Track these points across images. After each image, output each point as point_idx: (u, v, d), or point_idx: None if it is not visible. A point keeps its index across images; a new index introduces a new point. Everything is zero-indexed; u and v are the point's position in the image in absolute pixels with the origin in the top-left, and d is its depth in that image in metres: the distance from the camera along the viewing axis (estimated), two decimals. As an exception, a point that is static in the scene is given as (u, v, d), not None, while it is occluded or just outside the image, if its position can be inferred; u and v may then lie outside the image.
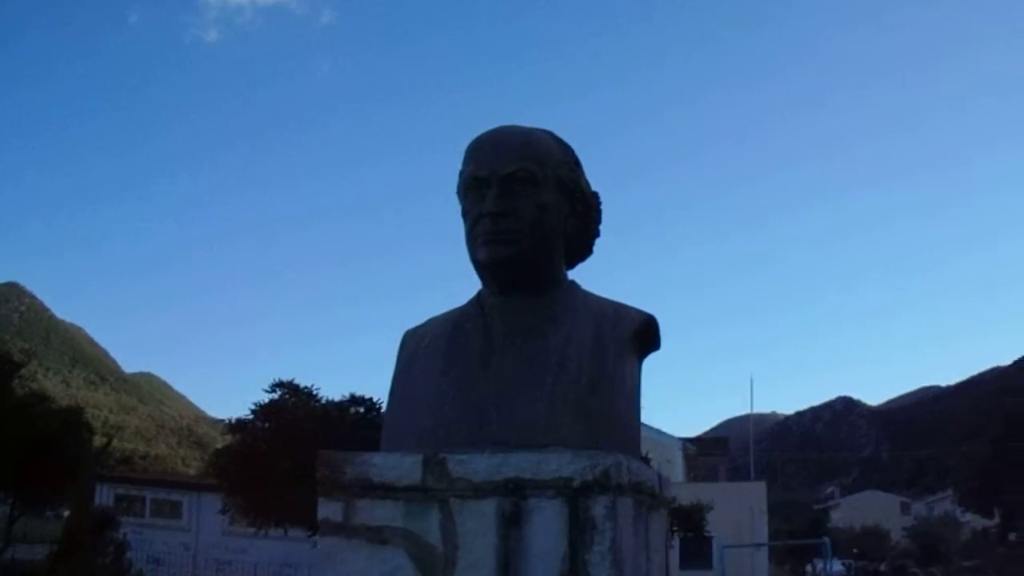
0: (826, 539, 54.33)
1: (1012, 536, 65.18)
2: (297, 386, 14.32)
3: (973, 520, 77.18)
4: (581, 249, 3.84)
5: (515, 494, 3.18)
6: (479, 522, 3.20)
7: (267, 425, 13.69)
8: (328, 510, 3.39)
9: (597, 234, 3.88)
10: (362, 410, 13.60)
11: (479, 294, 3.75)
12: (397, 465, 3.32)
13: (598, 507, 3.13)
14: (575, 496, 3.14)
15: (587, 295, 3.75)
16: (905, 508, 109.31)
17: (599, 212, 3.86)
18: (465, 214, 3.64)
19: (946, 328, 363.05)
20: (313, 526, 12.17)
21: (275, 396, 14.48)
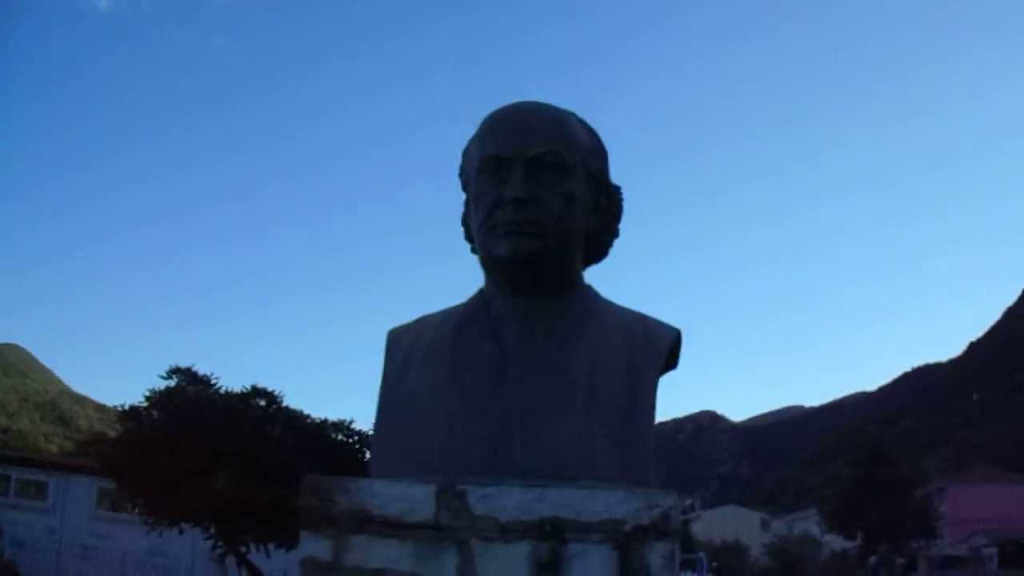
0: (701, 554, 54.94)
1: (872, 559, 66.91)
2: (195, 373, 13.57)
3: (832, 540, 79.11)
4: (598, 250, 3.42)
5: (553, 537, 2.74)
6: (507, 570, 2.74)
7: (163, 415, 12.93)
8: (313, 547, 2.88)
9: (616, 234, 3.45)
10: (263, 403, 12.91)
11: (482, 293, 3.32)
12: (405, 496, 2.84)
13: (654, 556, 2.75)
14: (627, 542, 2.74)
15: (607, 302, 3.36)
16: (765, 525, 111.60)
17: (621, 209, 3.46)
18: (478, 199, 3.20)
19: (814, 351, 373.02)
20: (218, 523, 11.54)
21: (171, 383, 13.82)
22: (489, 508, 2.77)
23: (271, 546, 12.78)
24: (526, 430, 2.99)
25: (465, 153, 3.37)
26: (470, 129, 3.36)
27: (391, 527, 2.81)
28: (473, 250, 3.38)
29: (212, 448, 11.10)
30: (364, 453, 12.81)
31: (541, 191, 3.11)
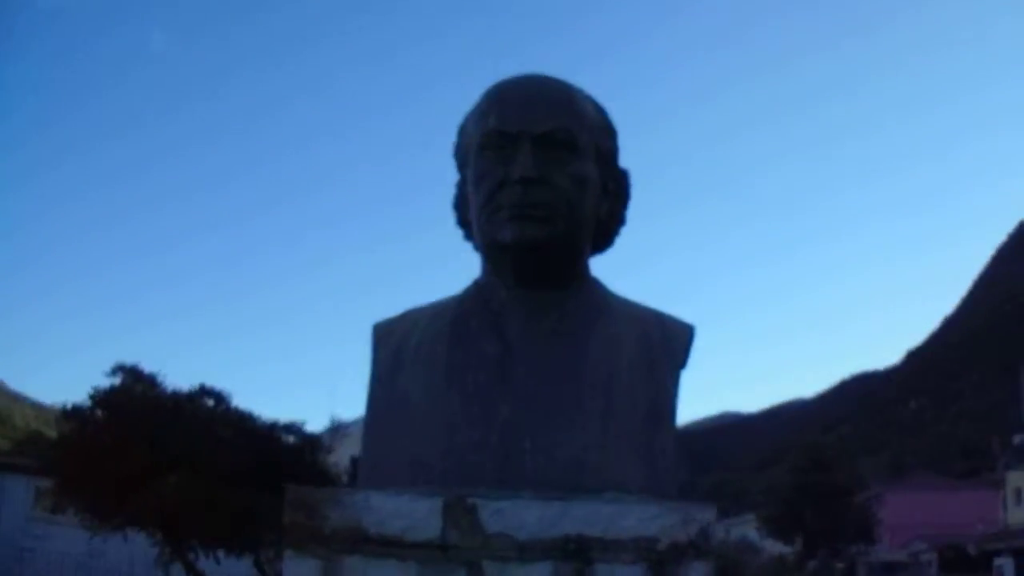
0: None
1: (811, 564, 67.40)
2: (141, 372, 13.09)
3: (771, 545, 79.78)
4: (603, 239, 3.14)
5: (577, 557, 2.47)
6: (527, 594, 2.43)
7: (107, 415, 12.46)
8: (300, 569, 2.57)
9: (623, 222, 3.18)
10: (211, 403, 12.49)
11: (479, 284, 3.04)
12: (406, 511, 2.54)
13: (693, 577, 2.47)
14: (661, 562, 2.48)
15: (617, 296, 3.09)
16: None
17: (629, 195, 3.18)
18: (478, 179, 2.92)
19: (751, 358, 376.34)
20: (165, 529, 11.14)
21: (116, 382, 13.33)
22: (504, 525, 2.49)
23: (220, 552, 12.41)
24: (538, 436, 2.73)
25: (462, 130, 3.09)
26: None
27: (391, 546, 2.52)
28: (467, 237, 3.12)
29: (159, 450, 10.69)
30: (317, 456, 12.45)
31: (550, 171, 2.84)
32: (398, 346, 3.00)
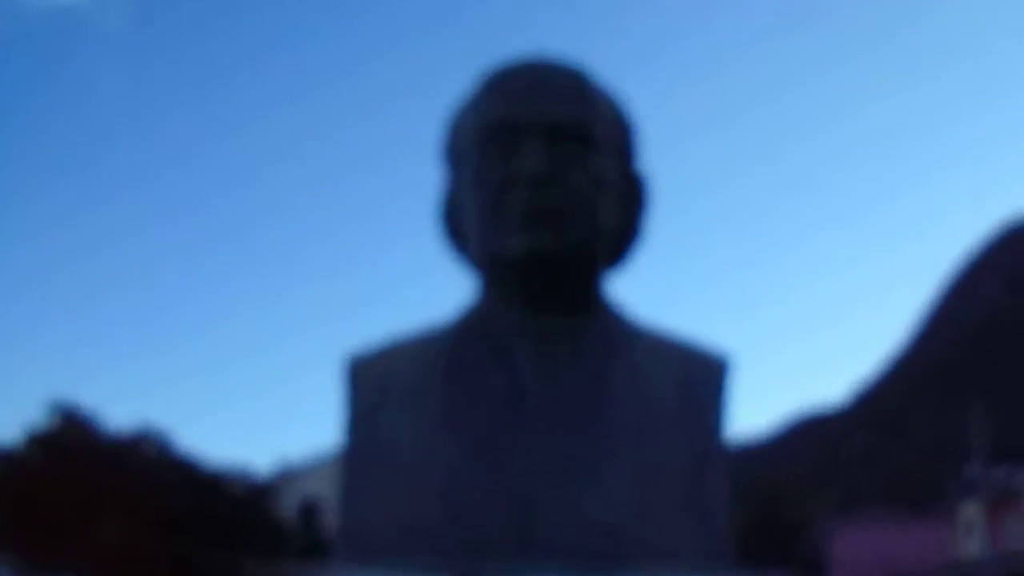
0: None
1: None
2: (79, 412, 12.45)
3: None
4: (617, 254, 2.65)
5: None
6: None
7: (43, 458, 11.90)
8: None
9: (641, 232, 2.69)
10: (155, 445, 11.90)
11: (477, 307, 2.55)
12: None
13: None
14: None
15: (638, 321, 2.62)
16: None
17: (647, 202, 2.69)
18: (478, 179, 2.45)
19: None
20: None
21: (50, 421, 12.73)
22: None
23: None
24: (561, 492, 2.28)
25: (451, 122, 2.64)
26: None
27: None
28: (455, 250, 2.66)
29: (98, 496, 10.16)
30: (265, 505, 11.91)
31: (565, 169, 2.40)
32: (380, 382, 2.52)
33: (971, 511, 57.03)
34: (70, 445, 11.01)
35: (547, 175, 2.36)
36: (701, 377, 2.54)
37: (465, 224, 2.53)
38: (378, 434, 2.43)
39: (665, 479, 2.32)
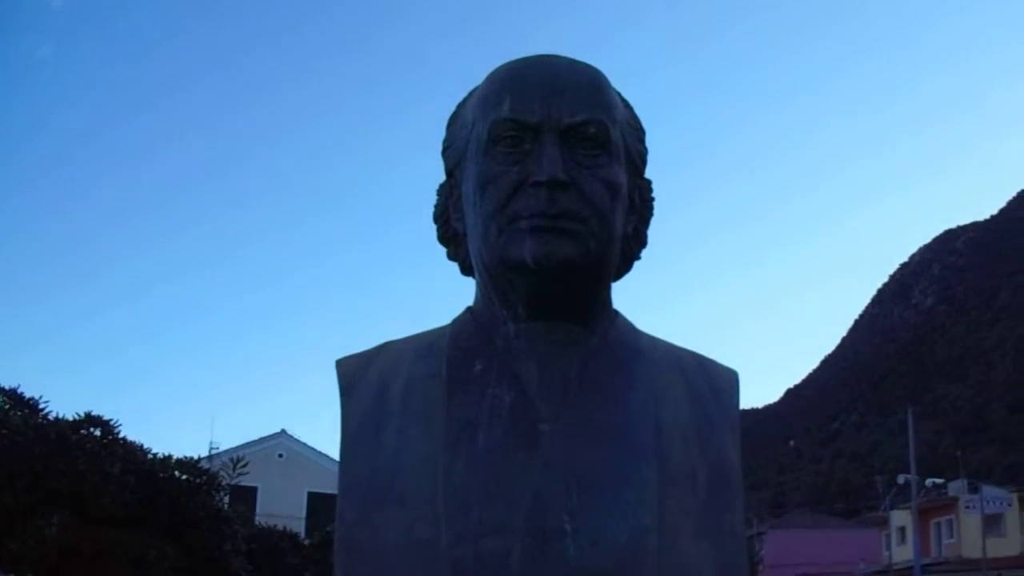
0: None
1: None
2: (22, 396, 12.02)
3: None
4: (623, 263, 2.51)
5: None
6: None
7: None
8: None
9: (646, 243, 2.55)
10: (98, 433, 11.54)
11: (475, 314, 2.41)
12: None
13: None
14: None
15: (646, 333, 2.48)
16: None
17: (652, 209, 2.57)
18: (486, 181, 2.28)
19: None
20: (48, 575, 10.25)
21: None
22: (552, 640, 1.86)
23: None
24: (579, 515, 2.12)
25: (455, 121, 2.48)
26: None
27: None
28: (451, 256, 2.51)
29: (39, 487, 9.77)
30: (214, 495, 11.61)
31: (580, 174, 2.24)
32: (378, 391, 2.35)
33: (903, 517, 57.79)
34: (13, 434, 10.54)
35: (564, 180, 2.21)
36: (714, 391, 2.43)
37: (467, 227, 2.38)
38: (379, 447, 2.27)
39: (684, 499, 2.21)
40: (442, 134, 2.53)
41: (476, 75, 2.44)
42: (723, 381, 2.48)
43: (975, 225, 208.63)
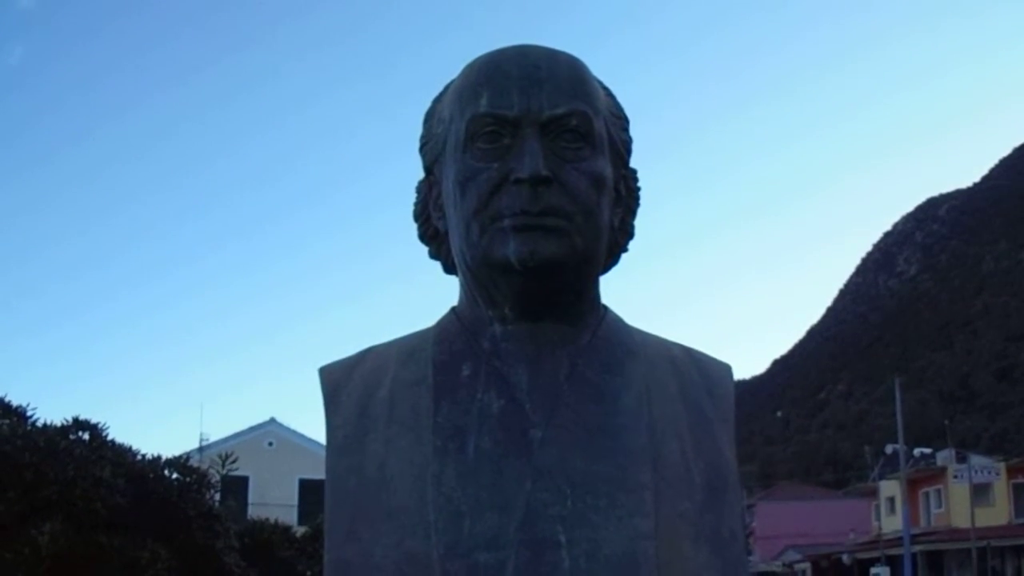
0: None
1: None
2: (9, 404, 11.93)
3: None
4: (609, 256, 2.42)
5: None
6: None
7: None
8: None
9: (632, 235, 2.47)
10: (87, 437, 11.46)
11: (459, 315, 2.32)
12: None
13: None
14: None
15: (636, 329, 2.39)
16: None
17: (639, 201, 2.48)
18: (466, 178, 2.20)
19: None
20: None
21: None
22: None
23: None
24: (575, 524, 2.06)
25: (431, 116, 2.38)
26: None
27: None
28: (433, 254, 2.42)
29: (31, 495, 9.68)
30: (204, 494, 11.55)
31: (563, 168, 2.16)
32: (362, 400, 2.27)
33: (893, 487, 58.00)
34: (3, 443, 10.43)
35: (548, 176, 2.13)
36: (707, 386, 2.35)
37: (448, 225, 2.30)
38: (365, 458, 2.20)
39: (681, 505, 2.14)
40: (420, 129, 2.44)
41: (456, 69, 2.38)
42: (716, 376, 2.40)
43: (958, 193, 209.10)
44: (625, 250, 2.45)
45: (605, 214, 2.24)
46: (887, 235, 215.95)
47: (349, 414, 2.26)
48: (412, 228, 2.49)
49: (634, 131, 2.47)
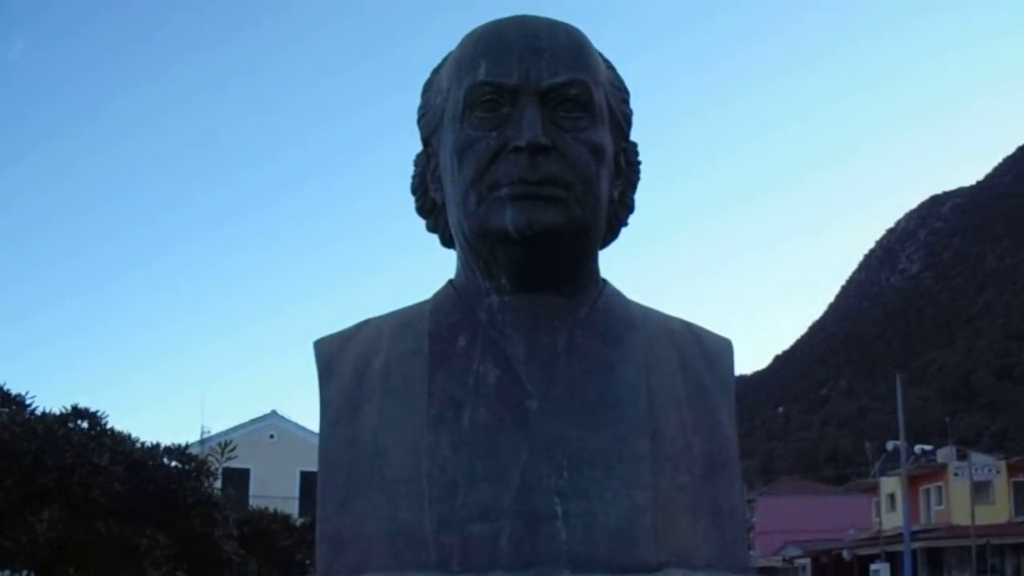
0: None
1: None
2: (8, 393, 11.92)
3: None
4: (609, 229, 2.42)
5: None
6: None
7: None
8: None
9: (632, 208, 2.48)
10: (86, 425, 11.47)
11: (456, 287, 2.32)
12: None
13: None
14: None
15: (635, 303, 2.40)
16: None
17: (639, 174, 2.48)
18: (464, 148, 2.20)
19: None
20: (41, 571, 10.18)
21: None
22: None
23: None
24: (571, 496, 2.05)
25: (430, 87, 2.39)
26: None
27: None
28: (431, 228, 2.43)
29: (29, 482, 9.67)
30: (203, 481, 11.54)
31: (562, 138, 2.16)
32: (357, 371, 2.27)
33: (893, 484, 57.95)
34: (6, 431, 10.44)
35: (546, 144, 2.13)
36: (707, 360, 2.36)
37: (445, 197, 2.31)
38: (359, 429, 2.20)
39: (680, 478, 2.14)
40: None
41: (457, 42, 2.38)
42: (716, 350, 2.41)
43: (961, 191, 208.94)
44: (625, 224, 2.46)
45: (604, 185, 2.24)
46: (890, 232, 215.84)
47: (343, 385, 2.26)
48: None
49: (635, 105, 2.47)
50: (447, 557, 2.00)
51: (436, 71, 2.40)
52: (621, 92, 2.39)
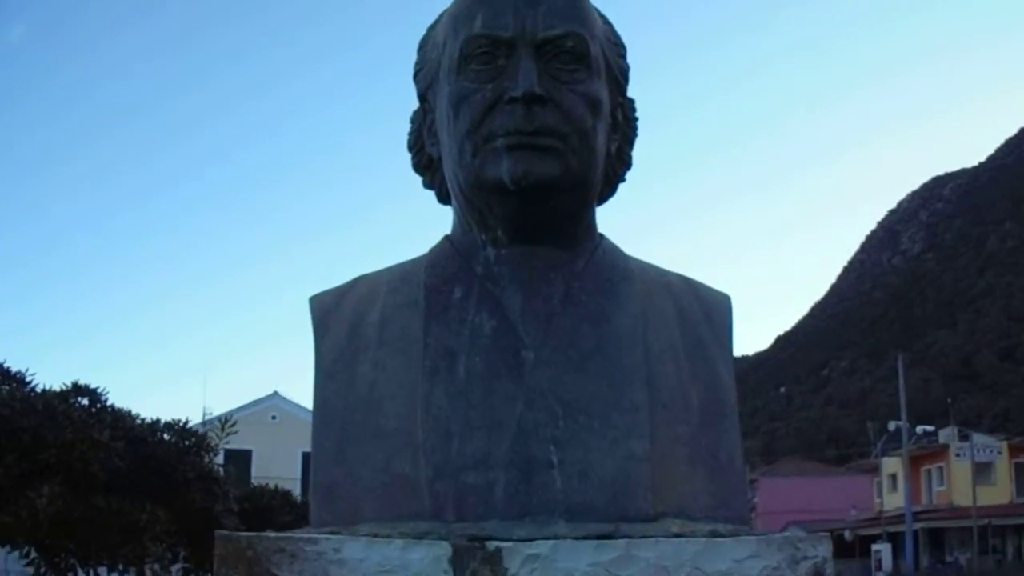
0: None
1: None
2: (8, 370, 11.91)
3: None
4: (607, 184, 2.43)
5: None
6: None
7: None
8: None
9: (629, 164, 2.48)
10: (86, 402, 11.45)
11: (453, 241, 2.33)
12: (398, 564, 1.83)
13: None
14: None
15: (633, 257, 2.40)
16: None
17: (636, 129, 2.49)
18: (459, 100, 2.21)
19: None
20: (41, 546, 10.18)
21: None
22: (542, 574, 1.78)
23: (102, 569, 11.49)
24: (567, 445, 2.05)
25: (426, 43, 2.40)
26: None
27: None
28: (427, 184, 2.44)
29: (29, 458, 9.67)
30: (203, 457, 11.55)
31: (559, 89, 2.16)
32: (352, 324, 2.28)
33: (895, 464, 58.10)
34: (6, 407, 10.43)
35: (542, 95, 2.14)
36: (705, 313, 2.37)
37: (441, 150, 2.32)
38: (354, 380, 2.21)
39: (677, 427, 2.14)
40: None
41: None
42: (714, 304, 2.42)
43: (963, 172, 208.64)
44: (622, 180, 2.47)
45: (600, 137, 2.25)
46: (892, 213, 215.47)
47: (338, 338, 2.28)
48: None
49: (631, 58, 2.48)
50: (441, 506, 2.00)
51: (432, 27, 2.41)
52: (618, 47, 2.40)
